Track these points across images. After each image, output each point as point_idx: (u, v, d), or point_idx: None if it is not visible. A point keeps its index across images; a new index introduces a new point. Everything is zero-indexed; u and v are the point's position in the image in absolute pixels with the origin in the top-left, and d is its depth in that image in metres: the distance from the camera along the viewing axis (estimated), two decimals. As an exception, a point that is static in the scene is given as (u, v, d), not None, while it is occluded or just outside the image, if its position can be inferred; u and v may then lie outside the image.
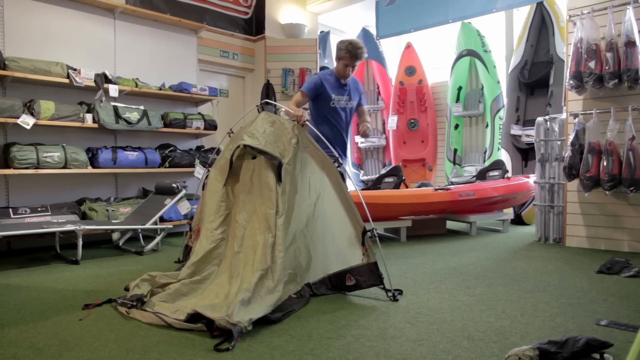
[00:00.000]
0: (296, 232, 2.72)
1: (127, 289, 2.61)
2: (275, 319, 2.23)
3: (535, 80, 6.32)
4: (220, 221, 2.84)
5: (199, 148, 5.50)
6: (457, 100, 7.13)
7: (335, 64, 3.44)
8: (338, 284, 2.73)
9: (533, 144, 5.19)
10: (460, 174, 6.89)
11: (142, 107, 4.79)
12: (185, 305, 2.38)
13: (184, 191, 4.37)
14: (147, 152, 4.78)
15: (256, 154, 2.80)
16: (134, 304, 2.34)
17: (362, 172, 7.85)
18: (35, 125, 4.02)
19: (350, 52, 3.28)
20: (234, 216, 2.83)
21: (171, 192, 4.35)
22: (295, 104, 3.23)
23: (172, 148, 5.10)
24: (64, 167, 4.18)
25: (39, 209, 4.14)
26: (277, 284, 2.42)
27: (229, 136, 3.29)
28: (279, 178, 2.68)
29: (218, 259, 2.75)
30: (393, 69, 7.94)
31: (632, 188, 3.73)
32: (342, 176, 2.90)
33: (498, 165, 5.75)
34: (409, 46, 7.69)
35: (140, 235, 4.37)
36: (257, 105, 3.17)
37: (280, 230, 2.57)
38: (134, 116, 4.66)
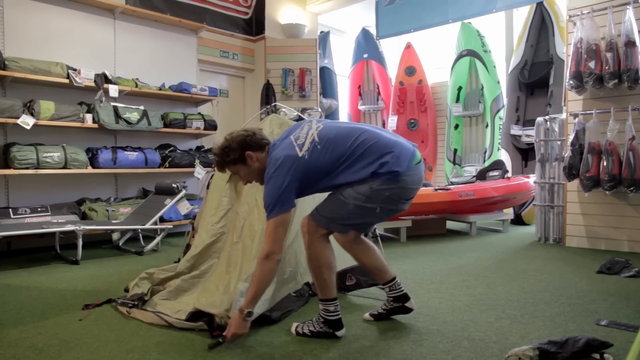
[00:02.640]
0: (298, 231, 2.72)
1: (126, 290, 2.62)
2: (275, 318, 2.23)
3: (535, 80, 6.32)
4: (221, 215, 2.83)
5: (199, 148, 5.50)
6: (457, 100, 7.13)
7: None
8: (338, 283, 2.72)
9: (533, 144, 5.19)
10: (460, 174, 6.89)
11: (142, 107, 4.79)
12: (187, 301, 2.38)
13: (183, 191, 4.37)
14: (147, 152, 4.78)
15: None
16: (135, 303, 2.34)
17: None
18: (35, 125, 4.02)
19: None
20: (235, 209, 2.83)
21: (171, 193, 4.35)
22: None
23: (172, 148, 5.10)
24: (64, 167, 4.18)
25: (39, 209, 4.14)
26: None
27: None
28: None
29: (218, 253, 2.73)
30: (393, 69, 7.93)
31: (632, 188, 3.73)
32: None
33: (498, 165, 5.75)
34: (409, 46, 7.69)
35: (140, 235, 4.37)
36: (267, 108, 3.19)
37: None
38: (134, 116, 4.66)
